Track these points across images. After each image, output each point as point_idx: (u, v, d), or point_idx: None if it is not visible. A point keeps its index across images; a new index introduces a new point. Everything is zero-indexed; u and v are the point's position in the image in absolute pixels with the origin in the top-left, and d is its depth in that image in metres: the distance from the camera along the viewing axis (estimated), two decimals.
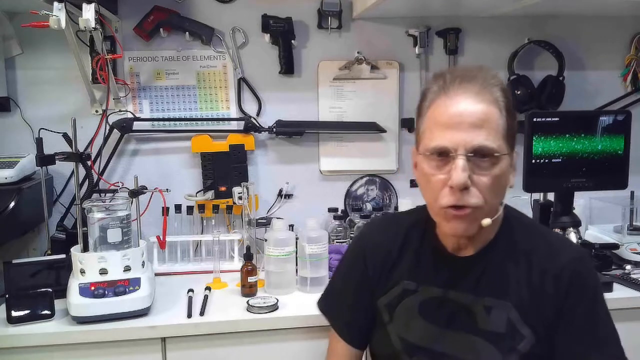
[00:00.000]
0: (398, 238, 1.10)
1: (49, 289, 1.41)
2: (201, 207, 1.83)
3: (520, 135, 1.62)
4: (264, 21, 1.84)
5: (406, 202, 1.82)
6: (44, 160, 1.56)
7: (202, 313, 1.42)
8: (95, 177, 1.75)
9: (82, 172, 1.68)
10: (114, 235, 1.43)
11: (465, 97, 0.91)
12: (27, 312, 1.38)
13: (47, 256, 1.58)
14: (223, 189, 1.86)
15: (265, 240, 1.61)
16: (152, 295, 1.44)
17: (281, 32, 1.85)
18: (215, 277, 1.66)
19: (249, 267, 1.56)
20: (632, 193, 1.83)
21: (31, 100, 1.82)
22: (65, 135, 1.60)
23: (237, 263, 1.75)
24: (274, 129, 1.89)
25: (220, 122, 1.89)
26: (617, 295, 1.50)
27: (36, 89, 1.82)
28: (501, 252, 1.02)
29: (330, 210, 1.88)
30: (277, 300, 1.47)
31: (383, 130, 1.94)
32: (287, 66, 1.88)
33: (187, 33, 1.83)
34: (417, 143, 1.00)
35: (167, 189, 1.76)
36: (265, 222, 1.78)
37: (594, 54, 2.04)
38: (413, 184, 1.99)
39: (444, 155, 0.92)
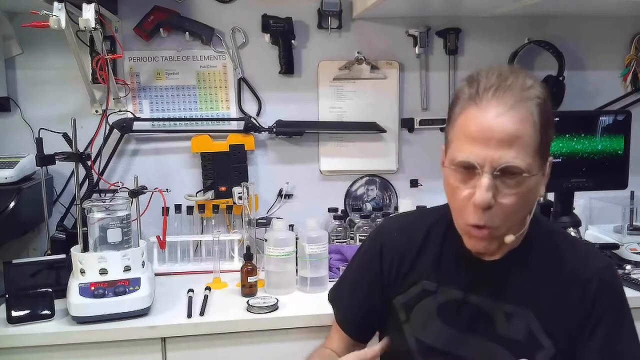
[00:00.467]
0: (419, 236, 1.06)
1: (49, 289, 1.41)
2: (201, 207, 1.83)
3: None
4: (264, 21, 1.84)
5: (406, 202, 1.82)
6: (44, 160, 1.56)
7: (202, 313, 1.42)
8: (95, 177, 1.75)
9: (82, 172, 1.68)
10: (114, 235, 1.43)
11: (497, 111, 0.86)
12: (27, 312, 1.38)
13: (47, 256, 1.58)
14: (223, 189, 1.86)
15: (265, 240, 1.61)
16: (152, 295, 1.44)
17: (281, 32, 1.85)
18: (215, 277, 1.65)
19: (249, 267, 1.56)
20: (632, 193, 1.83)
21: (31, 100, 1.82)
22: (65, 135, 1.60)
23: (237, 263, 1.74)
24: (274, 129, 1.89)
25: (220, 122, 1.89)
26: None
27: (36, 89, 1.82)
28: (526, 258, 0.99)
29: (330, 210, 1.88)
30: (277, 300, 1.47)
31: (383, 130, 1.94)
32: (287, 66, 1.88)
33: (187, 33, 1.83)
34: (446, 147, 0.95)
35: (167, 189, 1.76)
36: (265, 222, 1.78)
37: (594, 54, 2.04)
38: (413, 184, 1.99)
39: (470, 169, 0.88)
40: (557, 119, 1.56)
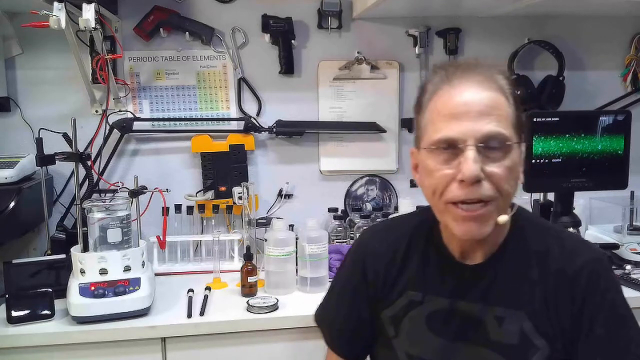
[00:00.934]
0: (401, 245, 1.03)
1: (49, 289, 1.41)
2: (201, 207, 1.83)
3: None
4: (264, 21, 1.84)
5: (406, 202, 1.82)
6: (44, 160, 1.56)
7: (202, 313, 1.42)
8: (95, 177, 1.75)
9: (82, 172, 1.68)
10: (114, 235, 1.43)
11: (469, 85, 0.86)
12: (27, 312, 1.38)
13: (47, 256, 1.58)
14: (223, 189, 1.86)
15: (265, 240, 1.61)
16: (152, 295, 1.44)
17: (281, 32, 1.85)
18: (215, 277, 1.65)
19: (249, 267, 1.56)
20: (632, 193, 1.83)
21: (31, 100, 1.82)
22: (65, 135, 1.60)
23: (237, 263, 1.75)
24: (274, 129, 1.89)
25: (220, 122, 1.89)
26: None
27: (36, 89, 1.82)
28: (512, 257, 0.95)
29: (330, 210, 1.88)
30: (277, 300, 1.47)
31: (383, 130, 1.94)
32: (287, 66, 1.88)
33: (187, 33, 1.83)
34: (418, 141, 0.92)
35: (167, 189, 1.76)
36: (265, 222, 1.78)
37: (594, 54, 2.04)
38: (413, 184, 1.99)
39: (451, 147, 0.85)
40: (557, 118, 1.59)
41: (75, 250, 1.44)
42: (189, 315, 1.41)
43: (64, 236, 1.66)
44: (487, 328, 0.93)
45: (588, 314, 0.90)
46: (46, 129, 1.71)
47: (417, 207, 1.75)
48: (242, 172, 1.88)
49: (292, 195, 1.96)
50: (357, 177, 1.99)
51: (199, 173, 1.89)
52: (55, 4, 1.41)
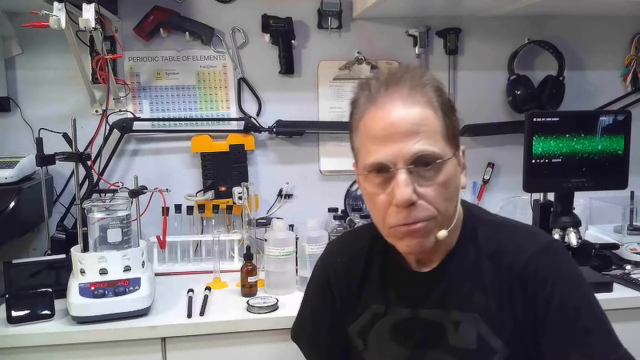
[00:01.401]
0: (360, 259, 1.02)
1: (49, 289, 1.41)
2: (201, 207, 1.83)
3: (520, 135, 1.63)
4: (264, 21, 1.84)
5: None
6: (44, 160, 1.56)
7: (202, 313, 1.42)
8: (95, 177, 1.75)
9: (82, 172, 1.68)
10: (114, 235, 1.43)
11: (394, 104, 0.83)
12: (27, 312, 1.38)
13: (47, 256, 1.58)
14: (223, 189, 1.86)
15: (265, 240, 1.61)
16: (152, 295, 1.44)
17: (281, 32, 1.85)
18: (215, 277, 1.66)
19: (249, 267, 1.56)
20: (632, 193, 1.83)
21: (31, 100, 1.82)
22: (65, 135, 1.60)
23: (237, 263, 1.75)
24: (274, 129, 1.89)
25: (220, 122, 1.89)
26: (617, 295, 1.50)
27: (36, 89, 1.82)
28: (465, 259, 0.93)
29: (330, 210, 1.88)
30: (277, 300, 1.47)
31: None
32: (287, 66, 1.88)
33: (187, 33, 1.83)
34: (355, 162, 0.92)
35: (167, 189, 1.76)
36: (265, 222, 1.78)
37: (594, 54, 2.04)
38: None
39: (383, 171, 0.84)
40: (557, 118, 1.59)
41: (75, 250, 1.44)
42: (189, 315, 1.41)
43: (64, 236, 1.66)
44: (447, 334, 0.92)
45: (541, 309, 0.88)
46: (46, 129, 1.71)
47: None
48: (242, 172, 1.88)
49: (292, 195, 1.96)
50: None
51: (199, 173, 1.89)
52: (55, 4, 1.41)
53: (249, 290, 1.55)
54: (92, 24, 1.47)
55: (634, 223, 1.86)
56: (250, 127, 1.88)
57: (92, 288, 1.37)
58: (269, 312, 1.44)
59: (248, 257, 1.57)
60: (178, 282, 1.66)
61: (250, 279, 1.55)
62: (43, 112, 1.80)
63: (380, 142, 0.84)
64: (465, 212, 0.97)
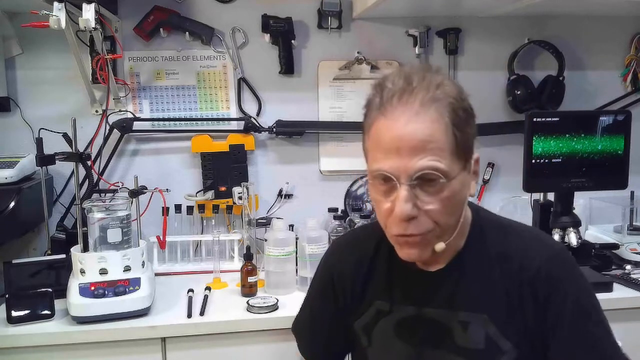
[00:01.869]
0: (366, 257, 1.03)
1: (49, 289, 1.41)
2: (201, 207, 1.83)
3: (520, 135, 1.63)
4: (264, 21, 1.84)
5: None
6: (44, 160, 1.56)
7: (202, 313, 1.42)
8: (95, 177, 1.75)
9: (82, 172, 1.68)
10: (114, 235, 1.43)
11: (404, 118, 0.82)
12: (27, 312, 1.38)
13: (47, 256, 1.59)
14: (223, 189, 1.86)
15: (265, 240, 1.61)
16: (152, 295, 1.44)
17: (281, 32, 1.85)
18: (215, 277, 1.66)
19: (249, 267, 1.56)
20: (632, 193, 1.83)
21: (31, 100, 1.82)
22: (65, 135, 1.60)
23: (237, 263, 1.75)
24: (274, 129, 1.89)
25: (220, 122, 1.89)
26: (617, 295, 1.50)
27: (36, 89, 1.82)
28: (473, 260, 0.94)
29: (330, 210, 1.88)
30: (277, 300, 1.47)
31: None
32: (287, 66, 1.88)
33: (187, 33, 1.83)
34: (365, 159, 0.91)
35: (167, 189, 1.76)
36: (265, 222, 1.78)
37: (594, 54, 2.04)
38: None
39: (388, 181, 0.84)
40: (557, 118, 1.59)
41: (75, 250, 1.44)
42: (189, 315, 1.41)
43: (64, 236, 1.66)
44: (453, 333, 0.93)
45: (552, 315, 0.89)
46: (46, 129, 1.71)
47: None
48: (242, 172, 1.88)
49: (292, 195, 1.96)
50: (357, 177, 1.99)
51: (199, 173, 1.89)
52: (55, 4, 1.41)
53: (249, 290, 1.55)
54: (92, 24, 1.47)
55: (634, 223, 1.86)
56: (250, 127, 1.88)
57: (92, 288, 1.37)
58: (269, 312, 1.44)
59: (248, 257, 1.57)
60: (178, 282, 1.66)
61: (250, 279, 1.55)
62: (43, 112, 1.80)
63: (386, 153, 0.83)
64: (473, 214, 0.97)
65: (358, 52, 1.92)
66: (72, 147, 1.54)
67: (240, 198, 1.75)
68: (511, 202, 1.96)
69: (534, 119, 1.58)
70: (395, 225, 0.86)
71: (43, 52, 1.80)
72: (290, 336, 1.41)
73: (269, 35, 1.86)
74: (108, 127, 1.82)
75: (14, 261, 1.48)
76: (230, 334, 1.40)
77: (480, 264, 0.94)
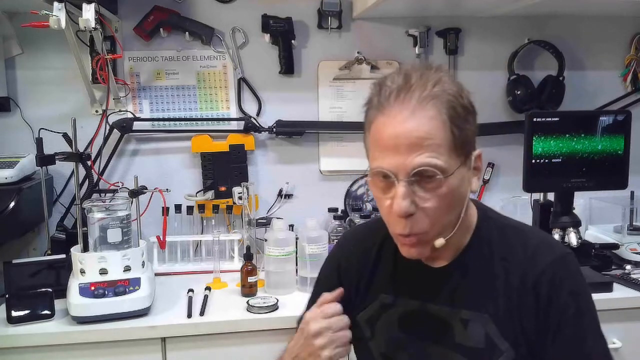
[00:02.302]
0: (372, 251, 1.04)
1: (49, 289, 1.41)
2: (201, 207, 1.83)
3: (520, 135, 1.63)
4: (264, 21, 1.84)
5: None
6: (44, 160, 1.56)
7: (202, 313, 1.42)
8: (95, 177, 1.75)
9: (82, 172, 1.68)
10: (114, 235, 1.43)
11: (401, 116, 0.82)
12: (27, 312, 1.38)
13: (47, 256, 1.59)
14: (223, 189, 1.86)
15: (265, 240, 1.61)
16: (152, 295, 1.44)
17: (281, 32, 1.85)
18: (215, 277, 1.66)
19: (249, 267, 1.56)
20: (632, 193, 1.83)
21: (31, 100, 1.82)
22: (65, 135, 1.60)
23: (237, 263, 1.75)
24: (274, 129, 1.89)
25: (220, 122, 1.89)
26: (617, 295, 1.50)
27: (36, 89, 1.82)
28: (477, 259, 0.94)
29: (330, 210, 1.88)
30: (277, 300, 1.48)
31: None
32: (287, 66, 1.88)
33: (187, 33, 1.83)
34: (367, 156, 0.92)
35: (167, 189, 1.76)
36: (265, 222, 1.78)
37: (594, 54, 2.04)
38: None
39: (386, 178, 0.85)
40: (557, 118, 1.59)
41: (75, 250, 1.44)
42: (189, 315, 1.41)
43: (64, 236, 1.66)
44: (454, 331, 0.94)
45: (553, 318, 0.89)
46: (46, 129, 1.71)
47: None
48: (242, 172, 1.88)
49: (292, 195, 1.96)
50: (357, 177, 1.99)
51: (199, 173, 1.89)
52: (55, 4, 1.41)
53: (249, 290, 1.55)
54: (92, 24, 1.47)
55: (634, 223, 1.86)
56: (250, 127, 1.88)
57: (92, 288, 1.37)
58: (269, 312, 1.44)
59: (248, 257, 1.57)
60: (178, 282, 1.66)
61: (250, 279, 1.55)
62: (43, 112, 1.80)
63: (384, 150, 0.84)
64: (479, 213, 0.98)
65: (358, 52, 1.92)
66: (72, 147, 1.54)
67: (240, 198, 1.75)
68: (511, 202, 1.95)
69: (534, 119, 1.58)
70: (395, 223, 0.87)
71: (43, 52, 1.80)
72: (290, 336, 1.41)
73: (269, 35, 1.86)
74: (108, 127, 1.82)
75: (14, 261, 1.48)
76: (230, 334, 1.40)
77: (484, 263, 0.94)
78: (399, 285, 1.00)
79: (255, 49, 1.89)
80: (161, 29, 1.81)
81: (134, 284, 1.40)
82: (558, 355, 0.89)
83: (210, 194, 1.84)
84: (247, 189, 1.76)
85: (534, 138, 1.57)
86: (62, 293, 1.42)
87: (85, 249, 1.45)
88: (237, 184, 1.79)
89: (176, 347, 1.39)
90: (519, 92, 1.91)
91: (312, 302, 1.17)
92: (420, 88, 0.84)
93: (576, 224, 1.62)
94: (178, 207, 1.82)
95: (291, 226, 1.82)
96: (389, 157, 0.84)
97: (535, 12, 1.91)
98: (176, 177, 1.89)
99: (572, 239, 1.59)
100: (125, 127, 1.81)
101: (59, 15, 1.41)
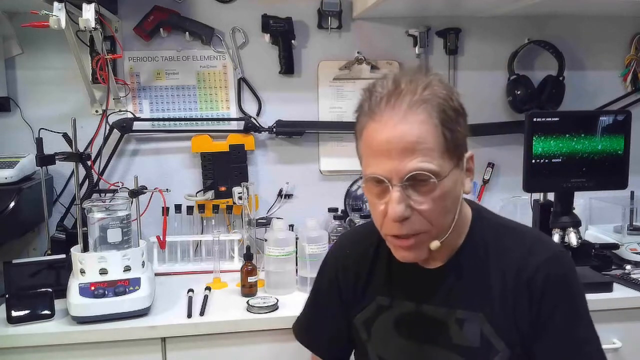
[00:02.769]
0: (369, 253, 1.05)
1: (49, 289, 1.41)
2: (201, 207, 1.83)
3: (520, 135, 1.63)
4: (264, 21, 1.84)
5: None
6: (44, 160, 1.56)
7: (202, 313, 1.42)
8: (95, 177, 1.75)
9: (82, 172, 1.69)
10: (114, 235, 1.43)
11: (392, 121, 0.83)
12: (27, 312, 1.38)
13: (47, 256, 1.58)
14: (223, 189, 1.86)
15: (265, 240, 1.61)
16: (152, 295, 1.44)
17: (281, 32, 1.85)
18: (215, 277, 1.66)
19: (249, 267, 1.56)
20: (632, 193, 1.83)
21: (31, 100, 1.82)
22: (65, 135, 1.60)
23: (237, 263, 1.75)
24: (274, 129, 1.89)
25: (220, 122, 1.89)
26: (617, 295, 1.50)
27: (36, 89, 1.82)
28: (471, 259, 0.95)
29: (330, 210, 1.88)
30: (277, 300, 1.48)
31: None
32: (287, 66, 1.88)
33: (187, 33, 1.83)
34: (360, 162, 0.93)
35: (167, 189, 1.76)
36: (265, 222, 1.78)
37: (594, 54, 2.04)
38: None
39: (380, 183, 0.86)
40: (557, 118, 1.59)
41: (75, 250, 1.44)
42: (189, 315, 1.41)
43: (64, 236, 1.66)
44: (450, 331, 0.94)
45: (545, 313, 0.90)
46: (46, 129, 1.71)
47: None
48: (242, 172, 1.88)
49: (292, 195, 1.96)
50: (357, 177, 1.99)
51: (199, 173, 1.89)
52: (55, 4, 1.41)
53: (249, 290, 1.55)
54: (92, 24, 1.47)
55: (634, 223, 1.86)
56: (250, 127, 1.88)
57: (92, 288, 1.37)
58: (269, 312, 1.44)
59: (248, 257, 1.57)
60: (178, 282, 1.66)
61: (250, 279, 1.55)
62: (43, 112, 1.80)
63: (377, 156, 0.85)
64: (473, 213, 0.98)
65: (358, 52, 1.92)
66: (72, 147, 1.54)
67: (240, 198, 1.75)
68: (511, 202, 1.95)
69: (534, 119, 1.58)
70: (389, 226, 0.87)
71: (43, 52, 1.80)
72: (291, 336, 1.41)
73: (269, 35, 1.86)
74: (108, 127, 1.82)
75: (14, 261, 1.47)
76: (230, 334, 1.40)
77: (479, 263, 0.95)
78: (395, 287, 1.00)
79: (255, 49, 1.89)
80: (161, 29, 1.81)
81: (134, 284, 1.40)
82: (550, 351, 0.90)
83: (210, 194, 1.84)
84: (247, 189, 1.76)
85: (534, 138, 1.57)
86: (62, 293, 1.42)
87: (85, 249, 1.45)
88: (237, 184, 1.79)
89: (176, 347, 1.39)
90: (519, 92, 1.91)
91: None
92: (411, 93, 0.85)
93: (576, 224, 1.62)
94: (178, 207, 1.82)
95: (291, 226, 1.82)
96: (382, 163, 0.84)
97: (535, 12, 1.91)
98: (176, 177, 1.89)
99: (572, 239, 1.59)
100: (125, 127, 1.81)
101: (59, 15, 1.41)
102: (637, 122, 1.67)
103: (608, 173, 1.61)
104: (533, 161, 1.58)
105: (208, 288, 1.59)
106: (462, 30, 1.96)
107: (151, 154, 1.89)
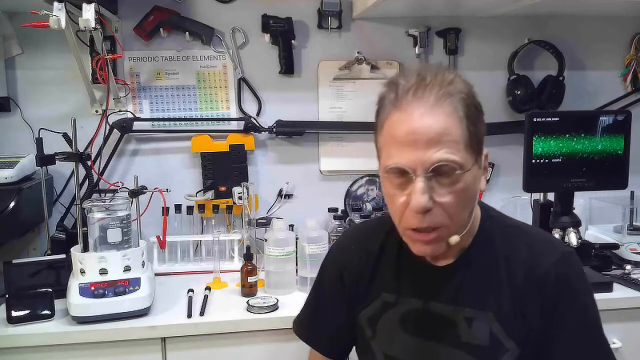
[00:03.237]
0: (374, 249, 1.04)
1: (49, 289, 1.41)
2: (201, 207, 1.83)
3: (520, 135, 1.63)
4: (264, 21, 1.84)
5: None
6: (44, 160, 1.56)
7: (202, 313, 1.42)
8: (95, 177, 1.75)
9: (82, 172, 1.69)
10: (114, 235, 1.43)
11: (419, 112, 0.83)
12: (27, 312, 1.38)
13: (47, 256, 1.58)
14: (223, 189, 1.86)
15: (265, 240, 1.61)
16: (152, 295, 1.44)
17: (281, 32, 1.85)
18: (215, 277, 1.66)
19: (249, 267, 1.56)
20: (632, 193, 1.83)
21: (31, 100, 1.82)
22: (65, 135, 1.60)
23: (237, 263, 1.75)
24: (274, 129, 1.89)
25: (220, 122, 1.89)
26: (617, 295, 1.50)
27: (36, 89, 1.82)
28: (480, 257, 0.95)
29: (330, 210, 1.88)
30: (277, 300, 1.48)
31: None
32: (287, 66, 1.88)
33: (187, 33, 1.83)
34: (378, 156, 0.92)
35: (167, 189, 1.76)
36: (265, 222, 1.78)
37: (594, 54, 2.04)
38: None
39: (403, 174, 0.85)
40: (557, 118, 1.59)
41: (75, 250, 1.44)
42: (189, 315, 1.41)
43: (64, 236, 1.66)
44: (458, 329, 0.94)
45: (559, 317, 0.90)
46: (46, 129, 1.71)
47: None
48: (242, 172, 1.88)
49: (292, 195, 1.96)
50: (357, 177, 1.99)
51: (199, 173, 1.89)
52: (55, 4, 1.41)
53: (249, 290, 1.55)
54: (92, 24, 1.47)
55: (634, 223, 1.86)
56: (250, 127, 1.88)
57: (92, 288, 1.37)
58: (269, 312, 1.44)
59: (248, 257, 1.57)
60: (178, 282, 1.66)
61: (250, 279, 1.55)
62: (43, 112, 1.80)
63: (402, 146, 0.84)
64: (482, 213, 0.98)
65: (358, 52, 1.92)
66: (72, 147, 1.54)
67: (240, 198, 1.75)
68: (511, 202, 1.95)
69: (534, 119, 1.58)
70: (410, 218, 0.87)
71: (43, 52, 1.80)
72: (290, 336, 1.41)
73: (269, 35, 1.86)
74: (108, 127, 1.82)
75: (14, 261, 1.47)
76: (230, 334, 1.40)
77: (488, 262, 0.95)
78: (402, 284, 1.00)
79: (255, 49, 1.89)
80: (161, 29, 1.81)
81: (134, 284, 1.40)
82: (562, 352, 0.90)
83: (210, 194, 1.84)
84: (247, 189, 1.76)
85: (534, 138, 1.57)
86: (62, 293, 1.42)
87: (85, 249, 1.45)
88: (237, 184, 1.79)
89: (176, 347, 1.39)
90: (519, 92, 1.91)
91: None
92: (437, 86, 0.85)
93: (576, 224, 1.62)
94: (178, 207, 1.82)
95: (291, 226, 1.82)
96: (406, 153, 0.84)
97: (535, 12, 1.91)
98: (176, 177, 1.89)
99: (572, 239, 1.59)
100: (125, 127, 1.81)
101: (59, 15, 1.41)
102: (637, 122, 1.67)
103: (608, 173, 1.61)
104: (533, 161, 1.58)
105: (208, 288, 1.59)
106: (462, 30, 1.96)
107: (151, 154, 1.89)
